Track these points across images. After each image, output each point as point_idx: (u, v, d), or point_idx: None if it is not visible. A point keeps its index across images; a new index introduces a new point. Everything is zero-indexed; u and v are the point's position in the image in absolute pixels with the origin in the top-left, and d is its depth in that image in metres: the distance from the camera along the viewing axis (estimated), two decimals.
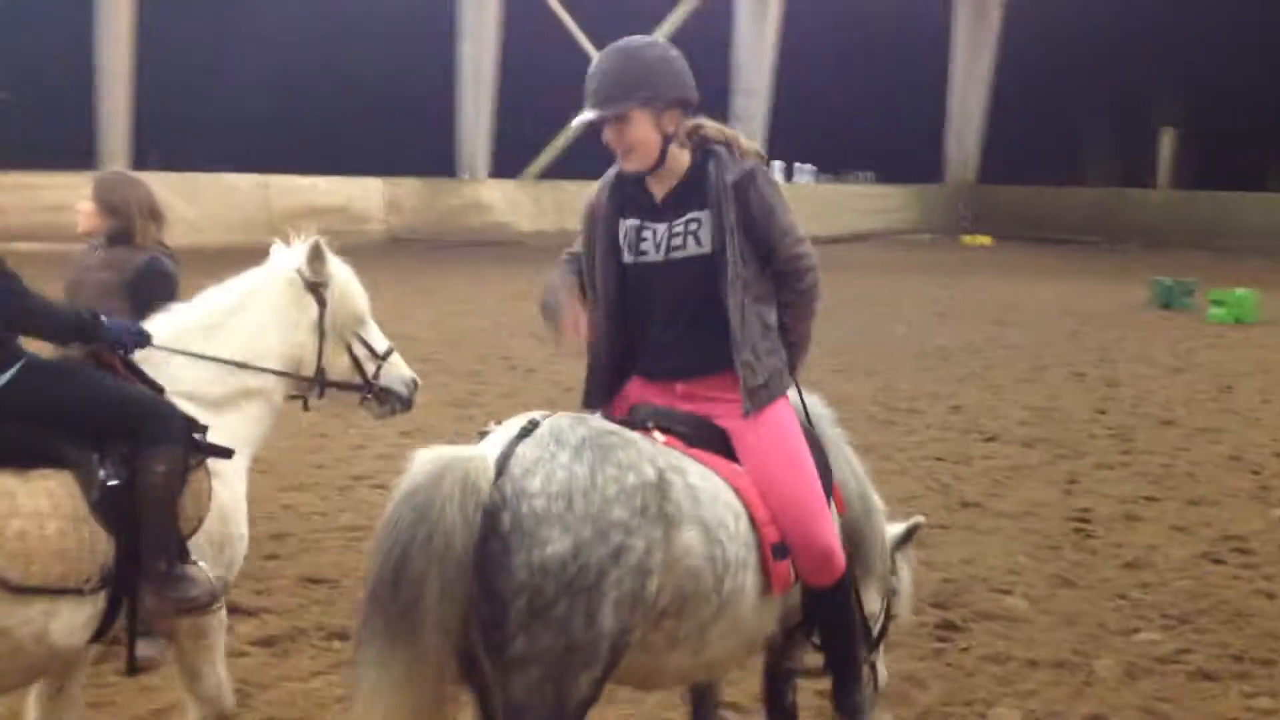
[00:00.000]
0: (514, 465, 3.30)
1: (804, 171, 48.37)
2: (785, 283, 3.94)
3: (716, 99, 32.60)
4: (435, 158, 30.22)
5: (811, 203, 31.03)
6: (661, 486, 3.40)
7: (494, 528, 3.23)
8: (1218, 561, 7.33)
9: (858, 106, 35.06)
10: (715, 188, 3.81)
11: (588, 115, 3.80)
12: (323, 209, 27.05)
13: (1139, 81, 35.75)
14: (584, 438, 3.38)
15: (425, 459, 3.28)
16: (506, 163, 30.69)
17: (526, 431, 3.41)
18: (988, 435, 10.45)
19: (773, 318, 3.93)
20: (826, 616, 3.99)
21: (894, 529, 4.55)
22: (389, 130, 32.78)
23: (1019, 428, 10.82)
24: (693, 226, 3.85)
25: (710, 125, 3.94)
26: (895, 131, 36.20)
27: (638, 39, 3.91)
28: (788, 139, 36.16)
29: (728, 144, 3.89)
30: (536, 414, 3.51)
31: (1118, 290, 21.65)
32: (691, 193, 3.86)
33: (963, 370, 13.70)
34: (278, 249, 4.60)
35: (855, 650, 4.09)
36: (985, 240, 33.26)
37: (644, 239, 3.91)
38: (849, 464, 4.24)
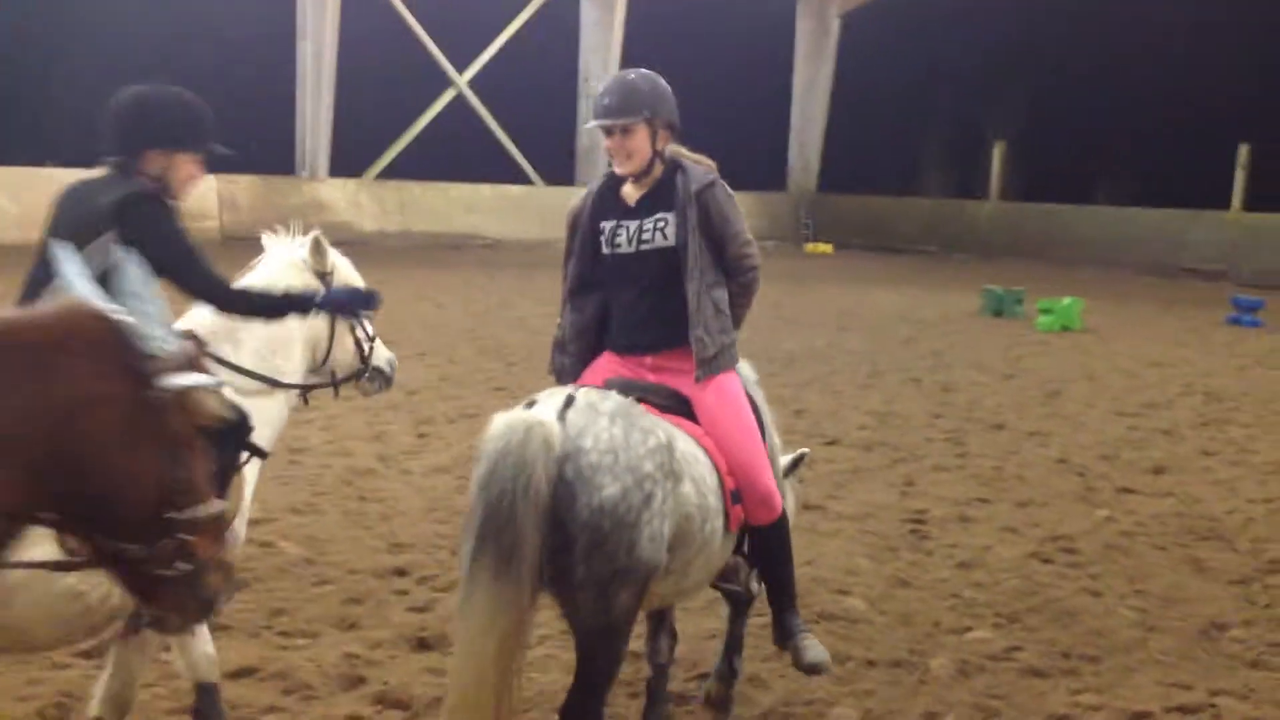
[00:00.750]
0: (569, 428, 4.11)
1: None
2: (732, 275, 4.80)
3: (565, 103, 32.57)
4: (274, 155, 29.51)
5: None
6: (670, 448, 4.25)
7: (561, 477, 4.04)
8: (1046, 561, 7.56)
9: (704, 114, 35.45)
10: (681, 195, 4.68)
11: (602, 122, 4.66)
12: None
13: (973, 95, 36.81)
14: (613, 408, 4.21)
15: (507, 422, 4.03)
16: (347, 162, 30.14)
17: (569, 402, 4.20)
18: (829, 439, 10.62)
19: (725, 303, 4.76)
20: (767, 550, 4.79)
21: (784, 459, 5.24)
22: (225, 127, 31.73)
23: (858, 432, 11.02)
24: (660, 224, 4.71)
25: (686, 151, 4.83)
26: (741, 139, 36.63)
27: (644, 72, 4.79)
28: None
29: (698, 164, 4.79)
30: (570, 389, 4.33)
31: (952, 298, 22.23)
32: (662, 197, 4.74)
33: (806, 375, 13.92)
34: (268, 239, 5.04)
35: (791, 579, 4.89)
36: (826, 249, 33.87)
37: (619, 235, 4.77)
38: (768, 423, 4.97)
